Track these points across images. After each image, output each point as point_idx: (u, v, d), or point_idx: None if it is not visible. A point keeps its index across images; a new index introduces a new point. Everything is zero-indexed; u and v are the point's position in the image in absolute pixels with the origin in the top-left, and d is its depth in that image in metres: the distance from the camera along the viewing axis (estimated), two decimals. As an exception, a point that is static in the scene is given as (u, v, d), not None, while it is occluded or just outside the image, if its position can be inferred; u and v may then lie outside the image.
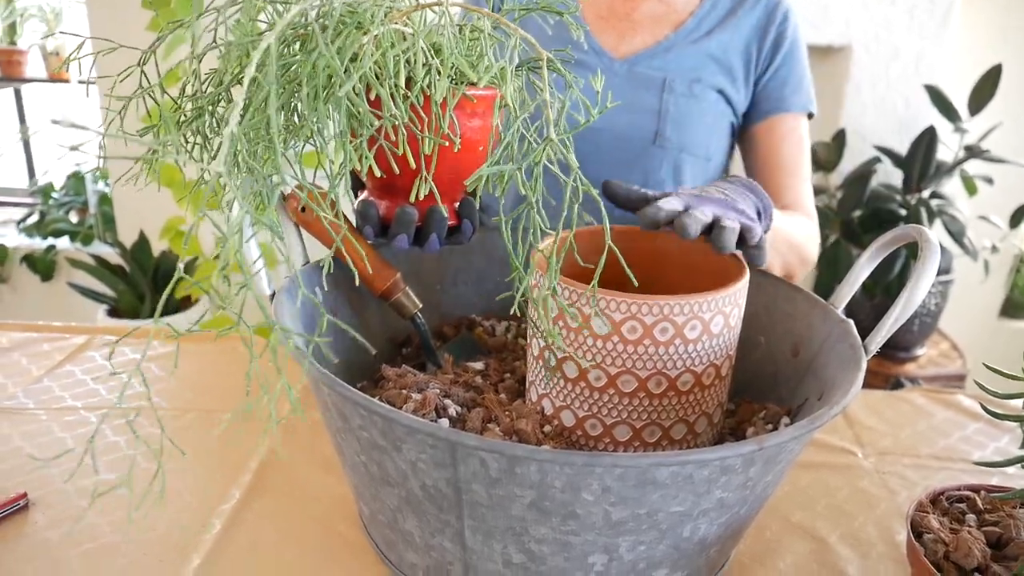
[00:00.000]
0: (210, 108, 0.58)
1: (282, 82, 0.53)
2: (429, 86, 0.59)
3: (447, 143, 0.62)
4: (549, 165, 0.54)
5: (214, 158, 0.58)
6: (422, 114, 0.60)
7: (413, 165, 0.61)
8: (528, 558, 0.54)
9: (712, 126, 1.02)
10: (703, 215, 0.63)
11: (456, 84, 0.61)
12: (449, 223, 0.71)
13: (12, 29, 2.75)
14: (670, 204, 0.64)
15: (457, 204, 0.72)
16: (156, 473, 0.42)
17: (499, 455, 0.48)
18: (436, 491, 0.53)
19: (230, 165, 0.46)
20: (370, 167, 0.56)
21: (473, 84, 0.62)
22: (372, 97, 0.58)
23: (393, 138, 0.58)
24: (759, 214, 0.72)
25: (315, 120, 0.50)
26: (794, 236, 0.96)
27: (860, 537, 0.73)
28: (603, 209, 0.55)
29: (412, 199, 0.63)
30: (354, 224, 0.72)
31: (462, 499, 0.52)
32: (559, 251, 0.55)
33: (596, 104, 0.56)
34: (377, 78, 0.56)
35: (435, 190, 0.63)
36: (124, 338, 0.66)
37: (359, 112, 0.53)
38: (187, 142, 0.59)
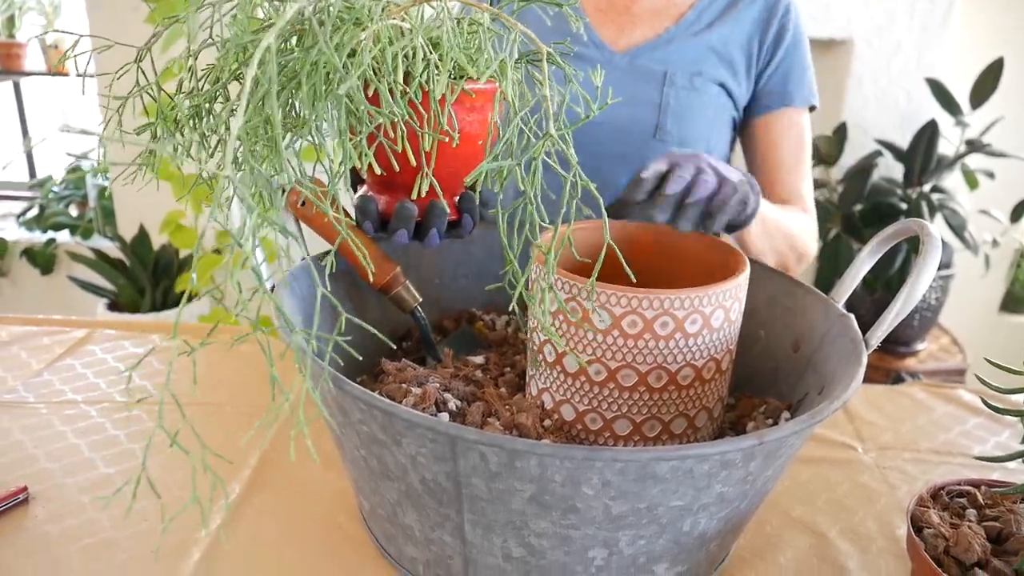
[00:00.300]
0: (207, 106, 0.57)
1: (280, 80, 0.53)
2: (427, 81, 0.58)
3: (446, 139, 0.62)
4: (548, 160, 0.54)
5: (212, 155, 0.58)
6: (421, 110, 0.60)
7: (413, 162, 0.60)
8: (528, 552, 0.54)
9: (713, 119, 1.02)
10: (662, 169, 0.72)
11: (455, 79, 0.61)
12: (449, 217, 0.71)
13: (11, 22, 2.74)
14: (652, 169, 0.72)
15: (457, 198, 0.72)
16: (213, 484, 0.42)
17: (499, 449, 0.48)
18: (436, 485, 0.53)
19: (234, 165, 0.45)
20: (370, 164, 0.55)
21: (473, 78, 0.62)
22: (370, 93, 0.58)
23: (392, 135, 0.58)
24: (745, 203, 0.76)
25: (314, 118, 0.50)
26: (789, 228, 0.95)
27: (860, 532, 0.73)
28: (602, 205, 0.55)
29: (414, 196, 0.62)
30: (354, 219, 0.72)
31: (462, 493, 0.52)
32: (556, 247, 0.55)
33: (596, 98, 0.56)
34: (375, 73, 0.55)
35: (435, 185, 0.62)
36: (149, 352, 0.65)
37: (358, 110, 0.53)
38: (184, 138, 0.59)
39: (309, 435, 0.41)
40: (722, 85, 1.02)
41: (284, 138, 0.48)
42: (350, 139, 0.54)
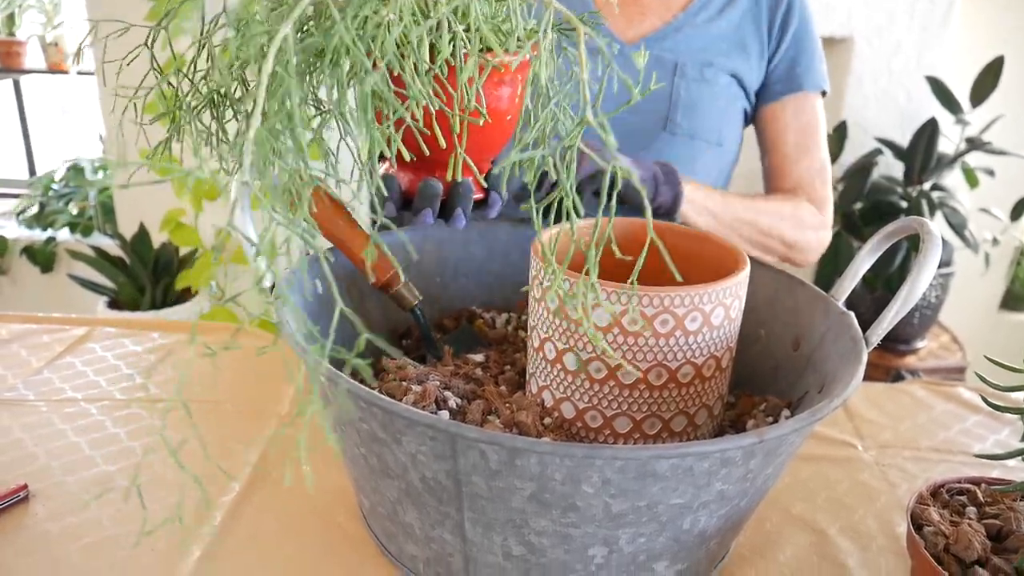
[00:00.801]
0: (222, 92, 0.54)
1: (299, 66, 0.49)
2: (453, 55, 0.54)
3: (476, 121, 0.58)
4: (584, 148, 0.51)
5: (232, 147, 0.54)
6: (450, 89, 0.56)
7: (443, 144, 0.56)
8: (528, 550, 0.54)
9: (724, 111, 1.01)
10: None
11: (483, 51, 0.56)
12: (476, 196, 0.68)
13: (11, 20, 2.74)
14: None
15: (484, 175, 0.69)
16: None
17: (499, 447, 0.48)
18: (436, 483, 0.53)
19: (257, 167, 0.43)
20: (398, 148, 0.52)
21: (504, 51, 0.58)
22: (395, 74, 0.53)
23: (418, 118, 0.53)
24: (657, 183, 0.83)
25: (339, 107, 0.47)
26: (759, 218, 0.95)
27: (860, 530, 0.73)
28: (645, 196, 0.52)
29: (449, 176, 0.59)
30: (373, 198, 0.69)
31: (462, 491, 0.52)
32: (598, 244, 0.50)
33: (605, 87, 0.53)
34: (399, 47, 0.51)
35: (461, 163, 0.59)
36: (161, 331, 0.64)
37: (384, 99, 0.49)
38: (202, 128, 0.56)
39: (308, 430, 0.40)
40: (734, 75, 1.00)
41: (307, 131, 0.45)
42: (377, 126, 0.49)
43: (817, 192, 1.04)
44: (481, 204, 0.69)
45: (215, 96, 0.55)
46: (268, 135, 0.42)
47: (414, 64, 0.51)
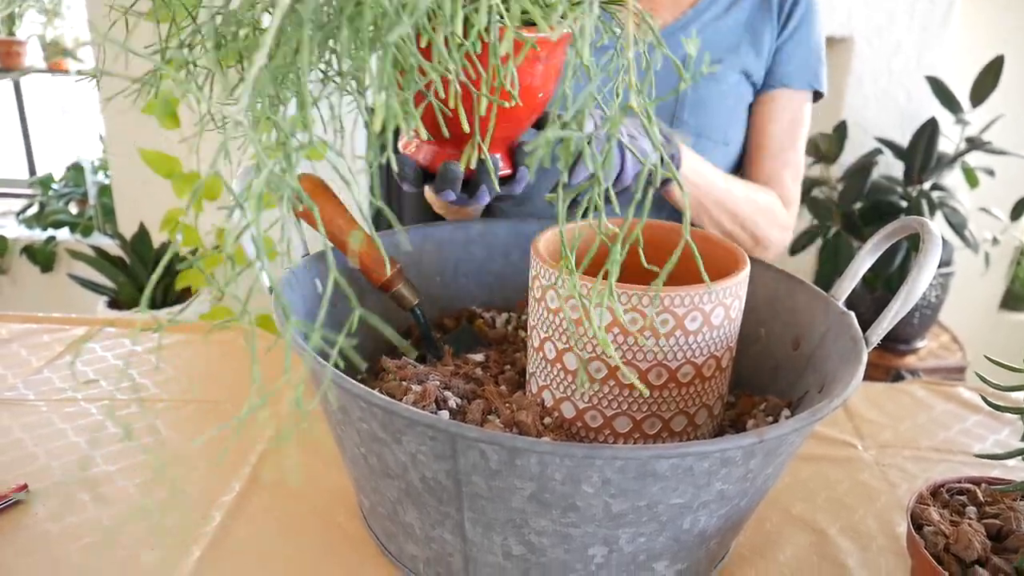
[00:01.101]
0: (232, 32, 0.51)
1: (319, 17, 0.45)
2: (488, 30, 0.50)
3: (508, 102, 0.55)
4: (624, 143, 0.48)
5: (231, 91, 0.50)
6: (480, 69, 0.52)
7: (467, 129, 0.53)
8: (528, 550, 0.54)
9: (732, 109, 1.00)
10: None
11: (521, 25, 0.52)
12: (502, 172, 0.66)
13: (11, 20, 2.74)
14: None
15: (511, 149, 0.67)
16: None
17: (499, 447, 0.48)
18: (436, 483, 0.53)
19: (252, 110, 0.39)
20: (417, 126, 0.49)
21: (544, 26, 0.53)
22: (423, 44, 0.50)
23: (443, 94, 0.49)
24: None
25: (356, 70, 0.43)
26: (740, 208, 0.94)
27: (860, 530, 0.73)
28: (679, 181, 0.48)
29: (464, 165, 0.57)
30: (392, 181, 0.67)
31: (462, 491, 0.52)
32: (625, 241, 0.48)
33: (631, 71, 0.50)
34: (429, 20, 0.47)
35: (488, 141, 0.57)
36: (124, 331, 0.64)
37: (407, 63, 0.45)
38: (195, 69, 0.51)
39: (309, 429, 0.40)
40: (744, 72, 1.00)
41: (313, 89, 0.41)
42: (398, 91, 0.43)
43: (787, 190, 1.03)
44: (508, 179, 0.67)
45: (220, 40, 0.51)
46: (272, 78, 0.39)
47: (447, 37, 0.47)
